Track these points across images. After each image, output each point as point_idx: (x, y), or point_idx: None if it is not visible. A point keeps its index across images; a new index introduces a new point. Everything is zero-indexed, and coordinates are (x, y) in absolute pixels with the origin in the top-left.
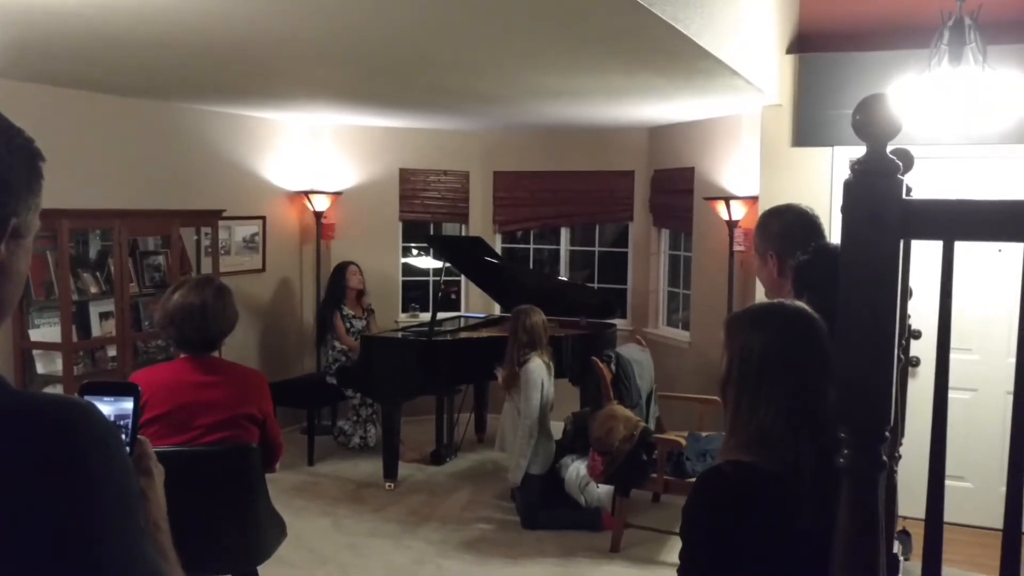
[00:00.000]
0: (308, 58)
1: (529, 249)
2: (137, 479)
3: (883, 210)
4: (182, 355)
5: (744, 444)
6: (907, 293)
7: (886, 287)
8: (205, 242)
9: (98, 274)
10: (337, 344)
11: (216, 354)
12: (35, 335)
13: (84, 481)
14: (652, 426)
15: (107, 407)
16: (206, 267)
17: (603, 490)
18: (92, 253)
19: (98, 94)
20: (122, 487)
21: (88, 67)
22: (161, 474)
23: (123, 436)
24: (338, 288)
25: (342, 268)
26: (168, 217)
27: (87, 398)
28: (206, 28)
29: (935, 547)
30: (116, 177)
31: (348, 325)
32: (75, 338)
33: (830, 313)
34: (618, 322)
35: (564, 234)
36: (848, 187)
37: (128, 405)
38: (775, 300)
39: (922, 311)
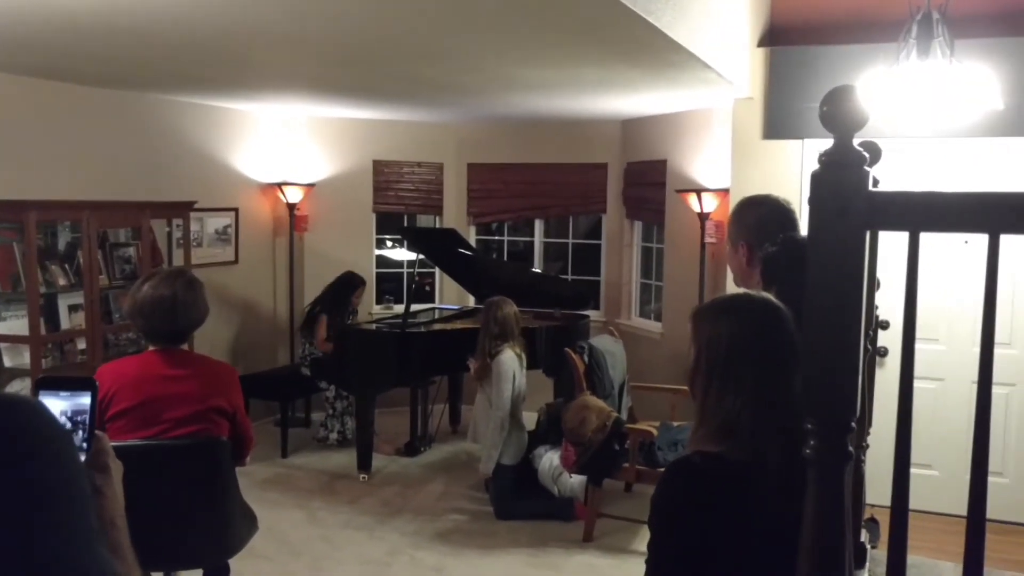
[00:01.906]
0: (281, 48)
1: (503, 241)
2: (92, 476)
3: (849, 202)
4: (151, 348)
5: (712, 434)
6: (875, 284)
7: (852, 278)
8: (177, 234)
9: (67, 266)
10: (314, 346)
11: (186, 347)
12: (2, 328)
13: (28, 485)
14: (624, 416)
15: (64, 402)
16: (177, 259)
17: (576, 480)
18: (61, 245)
19: (66, 84)
20: (70, 489)
21: (57, 56)
22: (119, 470)
23: (80, 432)
24: (341, 299)
25: (353, 284)
26: (138, 209)
27: (43, 393)
28: (177, 16)
29: (900, 535)
30: (85, 168)
31: (332, 331)
32: (43, 331)
33: (798, 304)
34: (591, 313)
35: (538, 226)
36: (815, 179)
37: (86, 400)
38: (742, 292)
39: (890, 302)
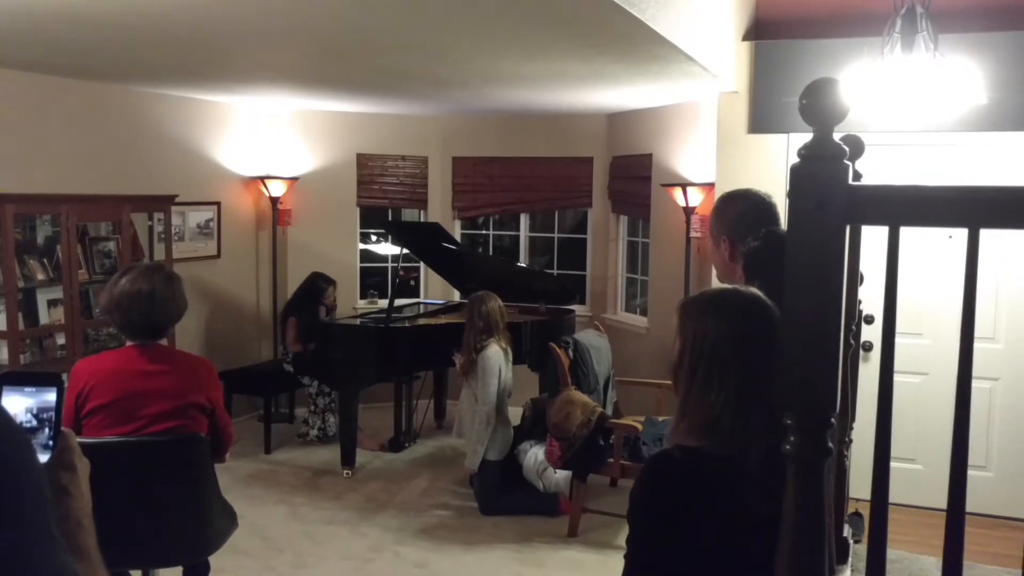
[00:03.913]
0: (264, 41)
1: (489, 235)
2: (58, 475)
3: (829, 195)
4: (128, 343)
5: (693, 429)
6: (858, 279)
7: (831, 273)
8: (158, 228)
9: (46, 260)
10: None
11: (165, 342)
12: None
13: None
14: (610, 411)
15: (29, 399)
16: (159, 253)
17: (561, 475)
18: (39, 239)
19: (45, 75)
20: (25, 489)
21: (35, 48)
22: (86, 468)
23: (47, 429)
24: (309, 302)
25: (321, 287)
26: (119, 202)
27: (7, 390)
28: (158, 8)
29: (880, 530)
30: (64, 161)
31: (301, 332)
32: (21, 326)
33: (780, 299)
34: (577, 308)
35: (524, 220)
36: (794, 172)
37: (51, 397)
38: (728, 286)
39: (875, 296)
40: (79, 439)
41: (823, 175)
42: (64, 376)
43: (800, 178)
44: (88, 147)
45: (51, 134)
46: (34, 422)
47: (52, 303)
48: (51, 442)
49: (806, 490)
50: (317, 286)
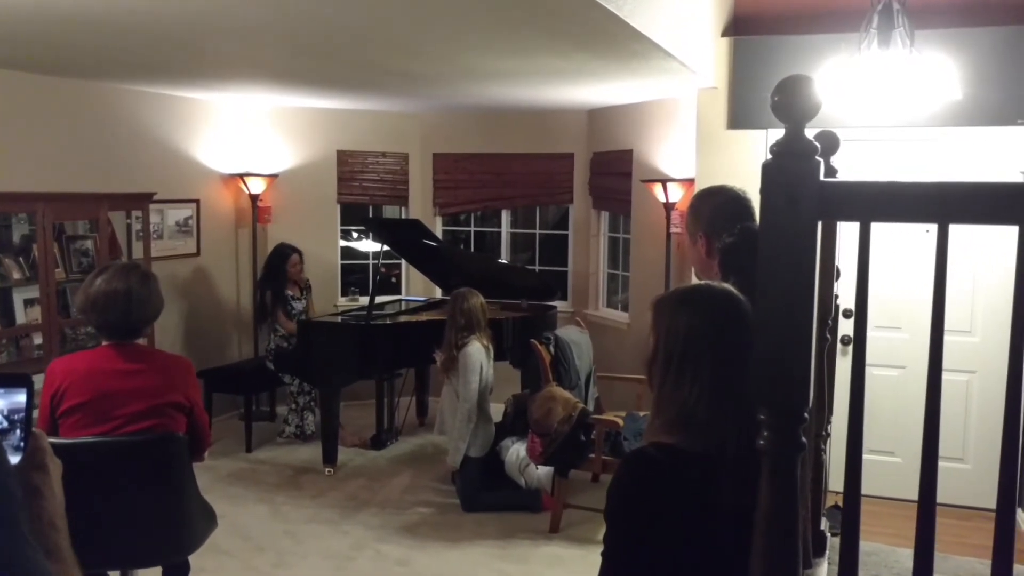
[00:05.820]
0: (243, 37)
1: (470, 232)
2: (30, 476)
3: (800, 192)
4: (104, 342)
5: (667, 424)
6: (834, 274)
7: (803, 269)
8: (136, 226)
9: (22, 259)
10: (280, 328)
11: (143, 341)
12: None
13: None
14: (591, 407)
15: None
16: (137, 252)
17: (543, 471)
18: (15, 238)
19: (20, 72)
20: None
21: (9, 44)
22: (58, 469)
23: (18, 431)
24: (278, 274)
25: (284, 255)
26: (96, 200)
27: None
28: (135, 3)
29: (853, 523)
30: (40, 159)
31: (289, 307)
32: None
33: (754, 295)
34: (559, 304)
35: (505, 216)
36: (766, 169)
37: (21, 398)
38: (702, 282)
39: (853, 291)
40: (55, 439)
41: (794, 171)
42: (34, 377)
43: (772, 174)
44: (64, 144)
45: (26, 131)
46: (4, 423)
47: (28, 302)
48: (22, 443)
49: (780, 485)
50: (280, 252)
